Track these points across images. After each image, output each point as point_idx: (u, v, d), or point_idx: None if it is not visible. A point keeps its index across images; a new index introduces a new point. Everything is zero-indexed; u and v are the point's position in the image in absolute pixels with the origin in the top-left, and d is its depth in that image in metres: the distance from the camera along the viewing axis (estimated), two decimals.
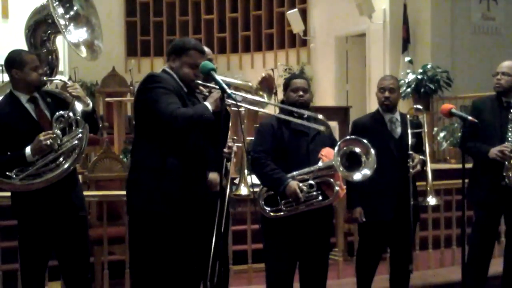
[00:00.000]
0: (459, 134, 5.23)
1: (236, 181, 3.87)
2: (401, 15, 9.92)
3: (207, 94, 3.48)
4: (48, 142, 3.46)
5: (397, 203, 4.17)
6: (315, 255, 3.87)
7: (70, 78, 8.23)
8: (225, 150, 3.75)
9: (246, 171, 3.77)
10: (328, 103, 11.00)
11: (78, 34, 6.78)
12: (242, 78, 9.28)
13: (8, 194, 4.72)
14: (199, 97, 3.51)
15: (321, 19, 11.69)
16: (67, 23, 6.64)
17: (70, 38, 6.57)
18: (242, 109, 3.40)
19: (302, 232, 3.81)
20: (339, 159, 3.68)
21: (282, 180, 3.73)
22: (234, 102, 3.26)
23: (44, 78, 3.73)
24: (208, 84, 3.42)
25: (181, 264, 3.38)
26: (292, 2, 12.14)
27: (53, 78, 3.98)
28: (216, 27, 12.87)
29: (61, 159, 3.55)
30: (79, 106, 3.65)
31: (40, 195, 3.56)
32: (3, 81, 9.25)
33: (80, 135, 3.59)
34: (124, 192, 3.61)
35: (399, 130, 4.27)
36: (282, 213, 3.77)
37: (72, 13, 6.74)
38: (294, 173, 3.77)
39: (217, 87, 3.26)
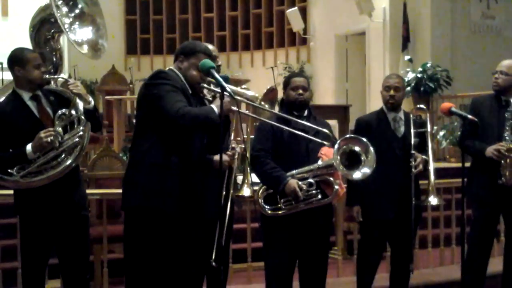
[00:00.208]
0: (459, 133, 5.23)
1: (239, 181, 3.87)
2: (401, 14, 9.92)
3: (210, 98, 3.50)
4: (49, 139, 3.46)
5: (399, 202, 4.16)
6: (315, 253, 3.87)
7: (70, 76, 8.22)
8: (228, 152, 3.74)
9: (249, 172, 3.77)
10: (327, 101, 11.00)
11: (83, 33, 6.78)
12: (242, 76, 9.27)
13: (7, 192, 4.73)
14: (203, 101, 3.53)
15: (321, 17, 11.69)
16: (72, 21, 6.64)
17: (73, 37, 6.57)
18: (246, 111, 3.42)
19: (301, 231, 3.81)
20: (338, 157, 3.67)
21: (282, 178, 3.73)
22: (236, 109, 3.29)
23: (47, 76, 3.73)
24: (213, 88, 3.42)
25: (177, 262, 3.38)
26: (292, 0, 12.15)
27: (55, 76, 3.99)
28: (216, 25, 12.86)
29: (62, 156, 3.55)
30: (81, 104, 3.66)
31: (43, 193, 3.56)
32: (2, 80, 9.27)
33: (81, 132, 3.59)
34: None
35: (402, 129, 4.27)
36: (281, 212, 3.77)
37: (77, 11, 6.74)
38: (294, 171, 3.77)
39: (218, 90, 3.26)
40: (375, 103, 9.97)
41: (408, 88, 9.07)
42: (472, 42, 10.08)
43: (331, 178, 3.76)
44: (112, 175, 5.37)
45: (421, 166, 4.13)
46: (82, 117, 3.62)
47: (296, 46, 12.17)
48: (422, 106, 4.50)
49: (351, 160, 3.74)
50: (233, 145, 3.81)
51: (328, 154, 3.75)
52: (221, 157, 3.24)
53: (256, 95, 3.63)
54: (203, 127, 3.38)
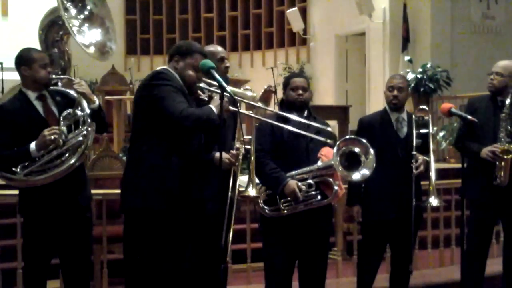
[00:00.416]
0: None
1: (242, 182, 3.86)
2: (401, 14, 9.92)
3: (206, 98, 3.48)
4: (52, 137, 3.48)
5: (400, 203, 4.16)
6: (314, 254, 3.87)
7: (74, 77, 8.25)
8: (233, 152, 3.74)
9: (254, 173, 3.76)
10: (327, 102, 11.00)
11: (92, 35, 6.79)
12: (241, 76, 9.28)
13: (7, 192, 4.75)
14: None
15: (321, 18, 11.69)
16: (81, 23, 6.65)
17: (81, 39, 6.57)
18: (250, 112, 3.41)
19: (301, 231, 3.81)
20: (338, 158, 3.67)
21: (281, 179, 3.73)
22: (234, 109, 3.28)
23: (53, 76, 3.76)
24: (209, 88, 3.41)
25: (176, 263, 3.37)
26: (292, 0, 12.15)
27: (61, 76, 4.01)
28: (215, 26, 12.87)
29: (66, 155, 3.57)
30: (86, 104, 3.68)
31: (48, 193, 3.58)
32: (2, 80, 9.27)
33: (85, 132, 3.61)
34: None
35: (405, 130, 4.26)
36: (281, 212, 3.77)
37: (86, 12, 6.76)
38: (293, 172, 3.77)
39: (217, 91, 3.26)
40: (375, 104, 9.98)
41: (408, 89, 9.07)
42: (472, 43, 10.08)
43: (331, 179, 3.76)
44: (111, 175, 5.37)
45: (422, 167, 4.12)
46: (87, 117, 3.63)
47: (296, 47, 12.17)
48: (424, 107, 4.49)
49: (351, 161, 3.74)
50: (238, 145, 3.80)
51: (327, 154, 3.75)
52: (221, 155, 3.25)
53: (254, 94, 3.62)
54: (204, 128, 3.36)
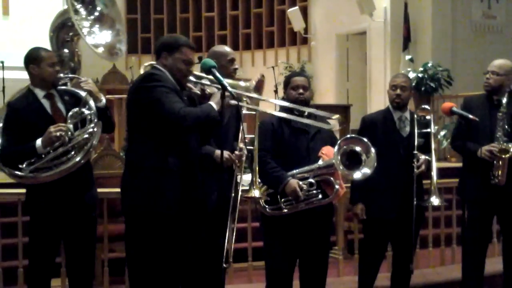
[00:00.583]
0: None
1: (244, 181, 3.86)
2: (402, 13, 9.92)
3: (198, 92, 3.46)
4: (58, 133, 3.51)
5: (401, 202, 4.16)
6: (315, 253, 3.87)
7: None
8: (236, 152, 3.73)
9: (257, 173, 3.75)
10: (328, 101, 11.00)
11: (102, 36, 6.79)
12: (242, 76, 9.27)
13: (8, 191, 4.76)
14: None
15: (321, 17, 11.69)
16: (92, 24, 6.66)
17: (91, 41, 6.58)
18: (251, 111, 3.39)
19: (302, 230, 3.81)
20: (339, 157, 3.67)
21: (282, 178, 3.73)
22: (235, 102, 3.26)
23: (61, 75, 3.79)
24: (200, 81, 3.39)
25: (178, 263, 3.37)
26: (293, 0, 12.14)
27: (69, 76, 4.04)
28: (216, 25, 12.87)
29: (72, 152, 3.59)
30: (92, 102, 3.70)
31: (55, 191, 3.61)
32: (3, 79, 9.28)
33: (91, 130, 3.63)
34: None
35: (407, 129, 4.26)
36: (282, 211, 3.77)
37: (96, 13, 6.76)
38: (294, 171, 3.77)
39: (207, 83, 3.25)
40: (376, 103, 9.97)
41: None
42: (473, 42, 10.08)
43: (332, 178, 3.76)
44: (112, 174, 5.37)
45: (423, 167, 4.11)
46: (94, 116, 3.65)
47: (297, 46, 12.17)
48: (426, 106, 4.48)
49: (352, 160, 3.74)
50: (241, 145, 3.80)
51: (328, 153, 3.75)
52: (222, 153, 3.26)
53: (248, 84, 3.61)
54: (205, 126, 3.34)
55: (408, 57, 9.64)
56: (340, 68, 11.40)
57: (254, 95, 3.54)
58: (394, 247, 4.44)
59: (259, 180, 3.71)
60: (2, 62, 9.35)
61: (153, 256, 3.29)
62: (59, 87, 3.78)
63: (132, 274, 3.43)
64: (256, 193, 3.56)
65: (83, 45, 7.05)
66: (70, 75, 4.08)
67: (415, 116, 4.29)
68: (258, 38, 12.66)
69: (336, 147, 3.69)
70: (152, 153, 3.27)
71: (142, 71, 3.53)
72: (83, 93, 3.74)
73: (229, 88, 3.17)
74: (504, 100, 4.27)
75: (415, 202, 4.10)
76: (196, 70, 3.56)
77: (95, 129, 3.65)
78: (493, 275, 4.73)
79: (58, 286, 4.53)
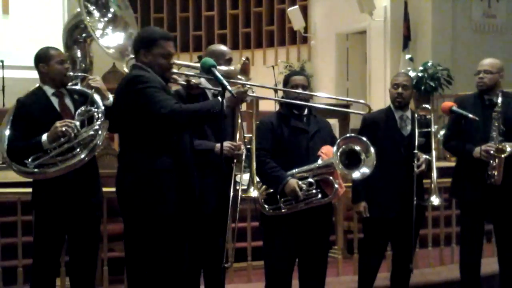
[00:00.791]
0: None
1: (242, 179, 3.86)
2: (402, 13, 9.92)
3: (183, 82, 3.43)
4: (64, 128, 3.53)
5: (401, 201, 4.15)
6: (314, 252, 3.87)
7: None
8: (227, 144, 3.70)
9: (255, 173, 3.75)
10: (328, 100, 10.98)
11: (115, 38, 6.80)
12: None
13: (8, 190, 4.77)
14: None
15: (321, 16, 11.68)
16: (105, 25, 6.67)
17: (104, 43, 6.59)
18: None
19: (301, 230, 3.81)
20: (338, 157, 3.67)
21: (281, 178, 3.73)
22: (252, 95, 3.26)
23: (70, 73, 3.82)
24: (184, 72, 3.35)
25: (177, 262, 3.35)
26: None
27: (78, 74, 4.07)
28: (216, 24, 12.86)
29: (77, 150, 3.61)
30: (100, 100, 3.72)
31: (61, 190, 3.64)
32: (3, 78, 9.28)
33: (97, 127, 3.63)
34: None
35: (409, 128, 4.25)
36: (281, 211, 3.77)
37: (110, 15, 6.77)
38: (294, 171, 3.77)
39: (191, 73, 3.24)
40: (376, 102, 9.95)
41: None
42: (473, 41, 10.07)
43: (331, 177, 3.76)
44: (112, 174, 5.31)
45: (423, 166, 4.11)
46: (102, 114, 3.66)
47: (297, 45, 12.17)
48: (426, 106, 4.48)
49: (351, 159, 3.74)
50: (238, 143, 3.78)
51: (328, 153, 3.75)
52: (221, 152, 3.21)
53: (232, 68, 3.59)
54: (203, 121, 3.32)
55: (408, 56, 9.64)
56: (340, 67, 11.40)
57: (241, 78, 3.53)
58: (394, 247, 4.44)
59: (258, 180, 3.72)
60: (2, 61, 9.35)
61: (152, 257, 3.28)
62: (69, 87, 3.83)
63: (130, 275, 3.42)
64: (254, 193, 3.55)
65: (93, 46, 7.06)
66: (80, 74, 4.11)
67: (416, 115, 4.29)
68: (258, 37, 12.65)
69: (335, 147, 3.69)
70: (146, 155, 3.24)
71: (126, 69, 3.51)
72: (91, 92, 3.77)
73: (229, 87, 3.13)
74: (499, 100, 4.28)
75: (415, 202, 4.10)
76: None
77: (101, 127, 3.65)
78: (491, 275, 4.72)
79: (58, 286, 4.52)
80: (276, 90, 9.65)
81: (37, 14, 11.32)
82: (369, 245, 4.37)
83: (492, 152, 4.17)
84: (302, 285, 3.93)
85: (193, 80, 3.47)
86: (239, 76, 3.64)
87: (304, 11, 11.75)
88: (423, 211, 4.35)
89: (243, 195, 3.65)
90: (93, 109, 3.68)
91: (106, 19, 6.75)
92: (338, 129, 7.28)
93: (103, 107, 3.67)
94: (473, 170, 4.25)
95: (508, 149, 4.18)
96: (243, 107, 3.65)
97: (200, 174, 3.54)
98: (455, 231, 5.72)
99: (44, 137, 3.56)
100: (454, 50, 9.95)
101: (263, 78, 10.55)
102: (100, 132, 3.64)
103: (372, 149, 3.76)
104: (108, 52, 6.78)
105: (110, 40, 6.79)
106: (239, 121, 3.76)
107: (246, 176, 4.21)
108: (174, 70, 3.36)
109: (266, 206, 3.80)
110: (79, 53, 6.89)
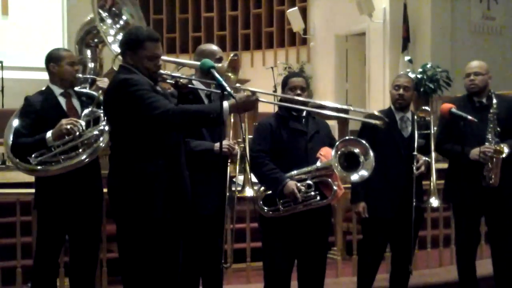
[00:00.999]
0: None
1: (240, 181, 3.86)
2: (401, 14, 9.93)
3: (172, 82, 3.37)
4: (69, 126, 3.58)
5: (400, 202, 4.15)
6: (313, 253, 3.87)
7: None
8: (225, 143, 3.67)
9: (249, 173, 3.75)
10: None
11: None
12: (241, 76, 9.26)
13: (7, 191, 4.76)
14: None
15: (321, 17, 11.69)
16: (116, 32, 6.72)
17: (116, 48, 6.64)
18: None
19: (300, 231, 3.81)
20: (337, 159, 3.67)
21: (280, 180, 3.73)
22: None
23: (80, 75, 3.89)
24: (173, 74, 3.30)
25: (172, 263, 3.33)
26: (292, 0, 12.15)
27: (87, 76, 4.11)
28: (216, 25, 12.86)
29: (80, 150, 3.65)
30: None
31: (63, 189, 3.69)
32: (3, 79, 9.27)
33: (102, 127, 3.66)
34: None
35: (409, 129, 4.25)
36: (280, 213, 3.77)
37: (122, 22, 6.83)
38: (293, 172, 3.76)
39: (179, 75, 3.23)
40: (375, 104, 9.98)
41: None
42: (472, 43, 10.08)
43: (330, 179, 3.76)
44: None
45: (423, 168, 4.11)
46: None
47: (296, 46, 12.17)
48: (426, 107, 4.48)
49: (350, 161, 3.74)
50: (230, 142, 3.78)
51: (327, 155, 3.75)
52: (221, 151, 3.19)
53: (220, 65, 3.54)
54: (198, 125, 3.28)
55: (407, 58, 9.65)
56: (339, 69, 11.41)
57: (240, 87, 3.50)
58: (393, 248, 4.45)
59: (254, 179, 3.72)
60: (1, 62, 9.35)
61: (142, 259, 3.22)
62: (78, 89, 3.89)
63: (124, 276, 3.38)
64: (249, 192, 3.54)
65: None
66: (89, 77, 4.15)
67: (415, 117, 4.29)
68: (257, 39, 12.66)
69: (334, 149, 3.69)
70: (136, 158, 3.18)
71: (114, 67, 3.48)
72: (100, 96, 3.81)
73: (228, 88, 3.07)
74: (494, 101, 4.28)
75: (414, 203, 4.10)
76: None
77: (106, 128, 3.67)
78: (490, 276, 4.72)
79: (57, 286, 4.52)
80: (275, 92, 9.70)
81: (36, 15, 11.32)
82: (368, 246, 4.37)
83: (490, 153, 4.17)
84: (301, 286, 3.93)
85: (182, 80, 3.42)
86: (229, 74, 3.59)
87: (304, 12, 11.75)
88: (422, 213, 4.35)
89: (238, 195, 3.65)
90: (99, 111, 3.72)
91: (118, 26, 6.82)
92: (337, 131, 7.29)
93: None
94: (468, 172, 4.24)
95: (506, 150, 4.18)
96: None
97: (201, 175, 3.53)
98: (454, 233, 5.72)
99: (49, 134, 3.60)
100: (453, 52, 9.96)
101: (262, 80, 10.56)
102: (104, 134, 3.67)
103: (371, 152, 3.75)
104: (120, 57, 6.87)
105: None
106: (240, 122, 3.74)
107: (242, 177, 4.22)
108: (162, 71, 3.29)
109: (265, 208, 3.80)
110: (89, 57, 6.97)
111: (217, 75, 3.12)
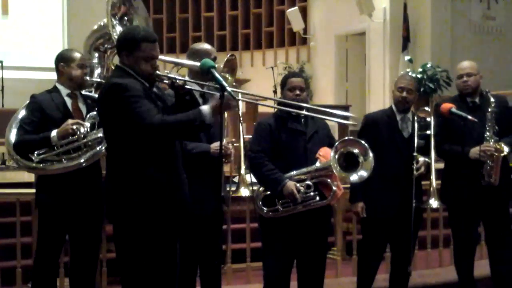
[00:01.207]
0: None
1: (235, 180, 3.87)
2: (401, 14, 9.93)
3: (168, 82, 3.26)
4: (75, 126, 3.62)
5: (400, 203, 4.15)
6: (313, 253, 3.87)
7: None
8: (214, 146, 3.65)
9: (244, 172, 3.75)
10: (327, 101, 11.00)
11: None
12: (242, 76, 9.27)
13: (6, 191, 4.76)
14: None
15: (321, 17, 11.69)
16: None
17: None
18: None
19: (299, 231, 3.81)
20: (336, 160, 3.67)
21: (279, 180, 3.72)
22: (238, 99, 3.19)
23: (88, 78, 3.94)
24: (169, 75, 3.23)
25: (170, 264, 3.31)
26: (293, 0, 12.14)
27: (94, 79, 4.14)
28: (216, 25, 12.86)
29: (84, 150, 3.69)
30: None
31: (64, 189, 3.71)
32: (3, 78, 9.28)
33: None
34: None
35: (409, 130, 4.24)
36: (279, 213, 3.77)
37: None
38: (292, 173, 3.76)
39: (175, 76, 3.18)
40: (375, 103, 9.98)
41: None
42: (473, 43, 10.08)
43: (329, 180, 3.76)
44: None
45: (423, 169, 4.11)
46: None
47: (296, 46, 12.17)
48: (426, 108, 4.48)
49: (349, 161, 3.74)
50: (226, 142, 3.77)
51: (325, 155, 3.75)
52: (220, 152, 3.12)
53: (216, 65, 3.49)
54: (187, 134, 3.19)
55: (407, 57, 9.65)
56: (339, 68, 11.41)
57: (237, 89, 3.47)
58: (393, 248, 4.45)
59: (248, 179, 3.72)
60: (1, 62, 9.35)
61: (142, 257, 3.19)
62: (84, 93, 3.92)
63: (123, 277, 3.35)
64: (244, 192, 3.54)
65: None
66: (96, 80, 4.18)
67: (415, 118, 4.28)
68: (257, 38, 12.66)
69: (333, 149, 3.69)
70: (133, 161, 3.11)
71: (112, 66, 3.46)
72: None
73: (228, 88, 3.02)
74: (492, 99, 4.29)
75: (414, 204, 4.10)
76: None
77: None
78: (489, 277, 4.72)
79: (57, 287, 4.52)
80: (275, 92, 9.70)
81: (36, 15, 11.32)
82: (368, 247, 4.37)
83: (491, 152, 4.17)
84: (301, 287, 3.93)
85: (178, 82, 3.38)
86: (226, 76, 3.57)
87: (304, 12, 11.75)
88: (421, 214, 4.35)
89: (233, 195, 3.64)
90: None
91: None
92: (337, 130, 7.29)
93: None
94: (466, 172, 4.23)
95: (506, 148, 4.18)
96: (243, 108, 3.62)
97: (197, 176, 3.52)
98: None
99: (54, 132, 3.63)
100: (453, 52, 9.96)
101: (262, 79, 10.56)
102: None
103: (370, 153, 3.75)
104: None
105: None
106: (240, 122, 3.74)
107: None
108: (158, 72, 3.22)
109: (264, 208, 3.80)
110: (97, 62, 7.01)
111: (217, 75, 3.07)
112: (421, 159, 4.12)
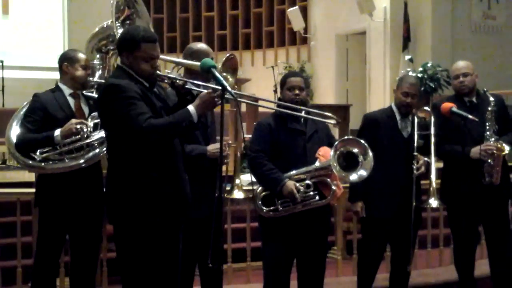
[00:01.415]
0: None
1: (244, 181, 3.86)
2: (402, 13, 9.93)
3: (167, 82, 3.27)
4: (79, 126, 3.64)
5: (399, 203, 4.15)
6: (313, 253, 3.87)
7: None
8: (210, 148, 3.67)
9: (240, 174, 3.75)
10: (328, 101, 11.01)
11: None
12: (242, 75, 9.27)
13: (7, 190, 4.76)
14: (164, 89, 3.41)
15: (321, 17, 11.69)
16: None
17: None
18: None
19: (300, 230, 3.81)
20: (336, 159, 3.67)
21: (279, 180, 3.72)
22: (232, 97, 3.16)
23: (91, 79, 3.99)
24: (170, 75, 3.24)
25: (169, 265, 3.31)
26: (293, 0, 12.15)
27: (96, 80, 4.15)
28: (216, 24, 12.87)
29: (86, 150, 3.71)
30: None
31: (65, 188, 3.72)
32: (3, 78, 9.28)
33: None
34: None
35: (409, 129, 4.24)
36: (279, 213, 3.77)
37: None
38: (291, 172, 3.76)
39: (175, 76, 3.18)
40: (375, 103, 9.98)
41: None
42: (473, 42, 10.08)
43: (329, 179, 3.76)
44: None
45: (423, 168, 4.10)
46: None
47: (296, 46, 12.18)
48: (426, 108, 4.47)
49: (349, 161, 3.74)
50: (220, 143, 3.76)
51: (325, 154, 3.75)
52: (221, 153, 3.11)
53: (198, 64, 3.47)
54: (177, 135, 3.18)
55: (407, 57, 9.65)
56: (340, 68, 11.42)
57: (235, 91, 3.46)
58: (393, 248, 4.45)
59: (255, 180, 3.72)
60: (2, 62, 9.36)
61: (143, 259, 3.19)
62: (86, 93, 3.94)
63: (124, 277, 3.35)
64: (237, 194, 3.53)
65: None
66: (97, 81, 4.20)
67: (415, 117, 4.28)
68: (258, 38, 12.66)
69: (333, 149, 3.68)
70: (133, 161, 3.11)
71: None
72: None
73: (229, 88, 3.03)
74: (491, 98, 4.29)
75: (414, 204, 4.10)
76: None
77: None
78: (489, 276, 4.72)
79: (57, 286, 4.52)
80: (275, 91, 9.70)
81: (37, 14, 11.33)
82: (367, 246, 4.37)
83: (493, 151, 4.17)
84: (301, 286, 3.93)
85: (178, 82, 3.38)
86: (228, 76, 3.55)
87: (304, 11, 11.76)
88: (420, 213, 4.35)
89: (227, 196, 3.64)
90: None
91: None
92: (337, 130, 7.29)
93: None
94: (466, 172, 4.23)
95: (506, 147, 4.18)
96: (243, 107, 3.62)
97: (195, 178, 3.50)
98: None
99: (57, 132, 3.64)
100: (454, 51, 9.96)
101: (262, 79, 10.57)
102: None
103: (370, 152, 3.75)
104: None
105: None
106: (239, 122, 3.73)
107: (245, 177, 4.22)
108: (158, 72, 3.21)
109: (264, 208, 3.80)
110: (99, 63, 7.03)
111: (217, 74, 3.07)
112: (422, 158, 4.12)
